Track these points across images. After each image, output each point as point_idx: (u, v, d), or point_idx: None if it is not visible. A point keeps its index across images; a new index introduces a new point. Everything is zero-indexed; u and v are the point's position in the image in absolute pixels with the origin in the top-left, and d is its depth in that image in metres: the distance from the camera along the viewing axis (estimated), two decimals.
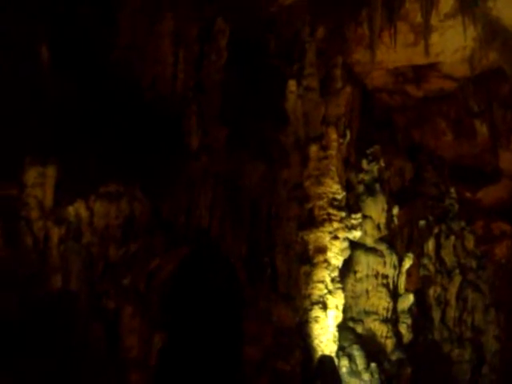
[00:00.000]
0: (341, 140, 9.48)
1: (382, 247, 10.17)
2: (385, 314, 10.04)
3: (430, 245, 11.64)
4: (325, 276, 9.06)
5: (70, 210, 7.44)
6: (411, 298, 10.32)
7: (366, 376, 9.34)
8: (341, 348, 9.34)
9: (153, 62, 9.78)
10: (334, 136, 9.26)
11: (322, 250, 9.07)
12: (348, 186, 9.97)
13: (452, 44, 11.98)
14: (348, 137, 9.73)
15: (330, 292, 9.08)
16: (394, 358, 9.86)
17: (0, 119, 7.81)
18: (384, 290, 10.06)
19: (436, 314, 11.32)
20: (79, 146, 8.03)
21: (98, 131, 8.55)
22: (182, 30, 10.01)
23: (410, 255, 10.43)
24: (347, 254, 9.50)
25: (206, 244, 9.28)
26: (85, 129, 8.47)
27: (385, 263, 10.14)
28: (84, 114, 8.69)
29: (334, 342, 9.06)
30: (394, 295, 10.20)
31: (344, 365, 9.27)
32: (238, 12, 10.81)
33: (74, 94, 8.92)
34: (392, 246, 10.33)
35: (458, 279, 11.54)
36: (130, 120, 8.95)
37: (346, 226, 9.26)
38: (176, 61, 9.82)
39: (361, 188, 10.37)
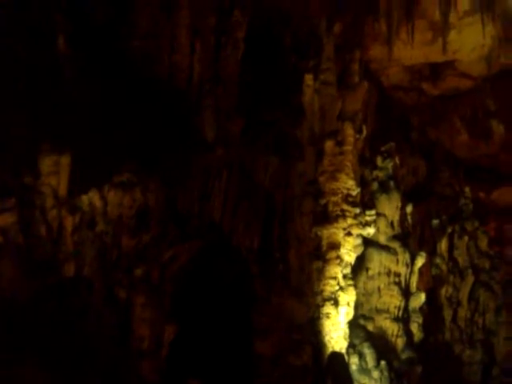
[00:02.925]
0: (357, 136, 9.39)
1: (395, 245, 10.06)
2: (396, 313, 9.93)
3: (443, 244, 11.51)
4: (337, 272, 8.99)
5: (84, 198, 7.45)
6: (423, 296, 10.21)
7: (375, 374, 9.26)
8: (351, 345, 9.27)
9: (169, 52, 9.76)
10: (350, 131, 9.17)
11: (335, 246, 9.00)
12: (362, 183, 9.87)
13: (470, 42, 11.88)
14: (364, 133, 9.63)
15: (341, 288, 9.01)
16: (404, 356, 9.76)
17: (15, 108, 7.82)
18: (396, 288, 9.95)
19: (447, 314, 11.20)
20: (94, 135, 8.02)
21: (113, 121, 8.53)
22: (198, 20, 9.98)
23: (423, 254, 10.30)
24: (360, 250, 9.42)
25: (219, 237, 9.26)
26: (100, 118, 8.45)
27: (397, 261, 10.02)
28: (99, 104, 8.67)
29: (345, 338, 9.00)
30: (406, 294, 10.09)
31: (354, 362, 9.20)
32: (254, 5, 10.77)
33: (90, 84, 8.91)
34: (405, 244, 10.22)
35: (470, 279, 11.42)
36: (146, 110, 8.92)
37: (360, 223, 9.17)
38: (192, 51, 9.81)
39: (375, 185, 10.25)
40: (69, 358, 6.24)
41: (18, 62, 8.54)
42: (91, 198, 7.48)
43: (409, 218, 10.49)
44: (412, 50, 11.99)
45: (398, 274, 10.05)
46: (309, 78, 9.44)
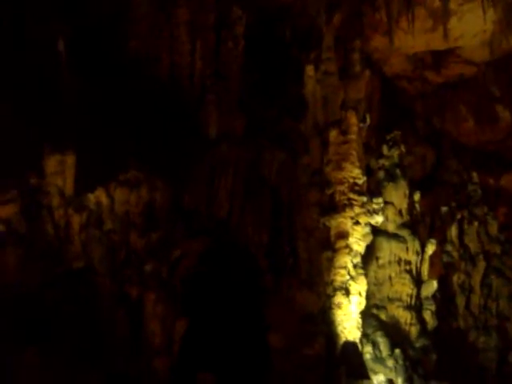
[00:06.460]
0: (361, 124, 9.31)
1: (405, 233, 9.97)
2: (408, 301, 9.83)
3: (453, 231, 11.41)
4: (347, 262, 8.91)
5: (91, 197, 7.50)
6: (435, 284, 10.09)
7: (390, 362, 9.17)
8: (364, 335, 9.18)
9: (169, 50, 9.80)
10: (353, 120, 9.09)
11: (344, 235, 8.92)
12: (368, 172, 9.80)
13: (471, 28, 11.80)
14: (368, 121, 9.54)
15: (352, 278, 8.93)
16: (418, 344, 9.67)
17: (20, 109, 7.89)
18: (407, 276, 9.86)
19: (460, 301, 11.10)
20: (97, 134, 8.07)
21: (117, 120, 8.59)
22: (197, 18, 10.02)
23: (433, 241, 10.19)
24: (369, 239, 9.33)
25: (227, 233, 9.26)
26: (102, 118, 8.51)
27: (407, 249, 9.92)
28: (101, 104, 8.73)
29: (358, 328, 8.91)
30: (418, 282, 10.00)
31: (368, 351, 9.12)
32: (253, 1, 10.80)
33: (92, 84, 8.97)
34: (414, 232, 10.12)
35: (482, 265, 11.31)
36: (149, 109, 8.96)
37: (368, 211, 9.08)
38: (193, 49, 9.84)
39: (381, 174, 10.15)
40: (74, 350, 6.25)
41: (19, 67, 8.63)
42: (98, 197, 7.51)
43: (417, 205, 10.37)
44: (413, 38, 11.93)
45: (408, 262, 9.95)
46: (310, 69, 9.41)
